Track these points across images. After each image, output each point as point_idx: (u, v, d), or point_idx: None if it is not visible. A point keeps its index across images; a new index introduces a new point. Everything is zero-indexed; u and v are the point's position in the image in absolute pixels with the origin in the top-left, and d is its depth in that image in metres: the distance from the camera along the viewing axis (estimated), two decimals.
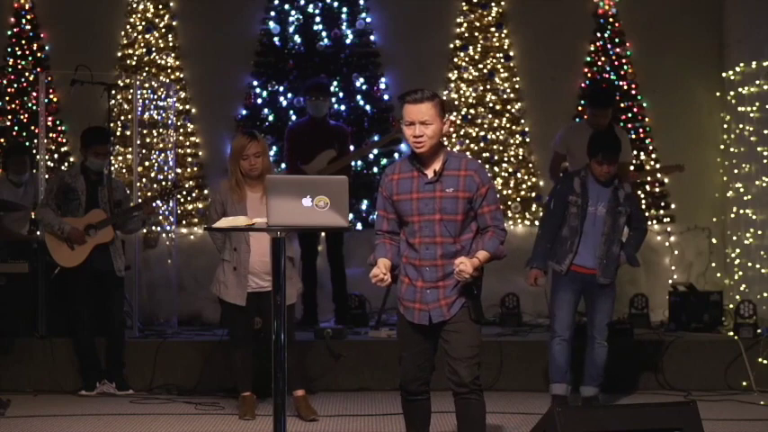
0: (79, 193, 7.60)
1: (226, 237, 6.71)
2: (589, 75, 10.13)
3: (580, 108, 9.96)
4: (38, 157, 8.78)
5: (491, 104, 10.10)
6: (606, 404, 6.87)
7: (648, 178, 9.77)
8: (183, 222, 9.94)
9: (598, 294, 6.87)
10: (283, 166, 8.93)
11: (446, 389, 4.97)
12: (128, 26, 10.20)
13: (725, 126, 10.04)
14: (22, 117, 10.10)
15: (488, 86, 10.13)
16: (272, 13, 10.09)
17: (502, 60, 10.15)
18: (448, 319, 4.86)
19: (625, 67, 10.10)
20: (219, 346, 7.79)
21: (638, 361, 7.87)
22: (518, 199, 10.01)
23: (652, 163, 9.91)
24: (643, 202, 9.95)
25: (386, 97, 10.02)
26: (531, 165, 10.03)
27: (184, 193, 9.69)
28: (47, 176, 8.50)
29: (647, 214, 9.93)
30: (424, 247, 4.84)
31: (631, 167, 8.70)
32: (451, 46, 10.21)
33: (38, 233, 8.44)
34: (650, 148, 9.98)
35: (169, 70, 10.13)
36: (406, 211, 4.87)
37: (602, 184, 6.78)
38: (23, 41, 10.20)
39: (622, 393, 7.60)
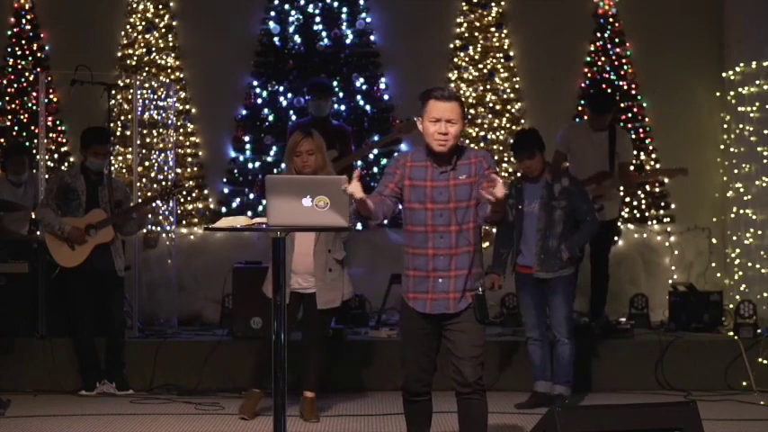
0: (79, 193, 7.60)
1: None
2: (589, 75, 10.12)
3: (580, 108, 9.96)
4: (38, 157, 8.78)
5: (491, 104, 10.10)
6: (606, 404, 6.87)
7: (649, 179, 9.77)
8: (183, 222, 9.93)
9: (550, 292, 7.03)
10: (283, 165, 8.91)
11: (447, 389, 4.97)
12: (128, 26, 10.19)
13: (725, 126, 10.04)
14: (22, 117, 10.09)
15: (488, 86, 10.13)
16: (272, 13, 10.08)
17: (502, 60, 10.14)
18: (452, 314, 4.85)
19: (625, 67, 10.09)
20: (219, 346, 7.80)
21: (638, 361, 7.88)
22: None
23: (652, 163, 9.91)
24: (643, 202, 9.95)
25: (386, 97, 10.01)
26: None
27: (184, 193, 9.69)
28: (47, 176, 8.50)
29: (646, 214, 9.97)
30: (438, 236, 4.83)
31: (631, 167, 8.71)
32: (451, 46, 10.20)
33: (38, 233, 8.44)
34: (650, 148, 9.98)
35: (169, 70, 10.12)
36: (419, 197, 4.85)
37: (533, 181, 7.01)
38: (23, 41, 10.20)
39: (622, 393, 7.60)
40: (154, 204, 8.09)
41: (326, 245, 6.61)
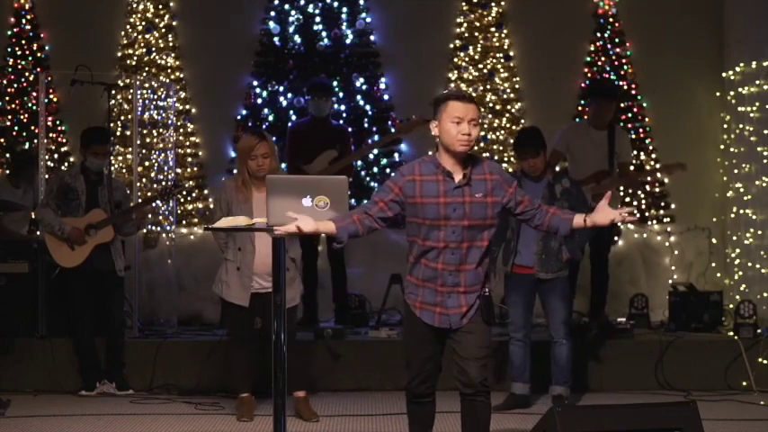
0: (79, 193, 7.60)
1: (230, 236, 6.68)
2: (589, 75, 10.13)
3: (580, 108, 9.97)
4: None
5: (491, 104, 10.10)
6: (606, 404, 6.87)
7: (648, 178, 9.77)
8: (183, 222, 9.94)
9: (547, 293, 6.98)
10: (284, 166, 8.93)
11: (448, 388, 4.96)
12: (128, 26, 10.20)
13: (725, 126, 10.05)
14: (22, 117, 10.11)
15: (488, 86, 10.13)
16: (272, 13, 10.09)
17: (502, 60, 10.15)
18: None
19: (625, 67, 10.10)
20: (219, 346, 7.79)
21: (638, 361, 7.87)
22: None
23: (652, 163, 9.92)
24: (643, 202, 9.96)
25: (386, 97, 10.02)
26: None
27: (184, 193, 9.69)
28: (47, 176, 8.50)
29: (646, 214, 9.97)
30: (450, 252, 4.74)
31: (631, 167, 8.71)
32: (451, 46, 10.21)
33: (38, 233, 8.44)
34: (650, 148, 9.99)
35: (169, 70, 10.13)
36: (431, 215, 4.72)
37: (535, 180, 6.94)
38: (23, 41, 10.21)
39: (622, 393, 7.60)
40: (153, 204, 8.08)
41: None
